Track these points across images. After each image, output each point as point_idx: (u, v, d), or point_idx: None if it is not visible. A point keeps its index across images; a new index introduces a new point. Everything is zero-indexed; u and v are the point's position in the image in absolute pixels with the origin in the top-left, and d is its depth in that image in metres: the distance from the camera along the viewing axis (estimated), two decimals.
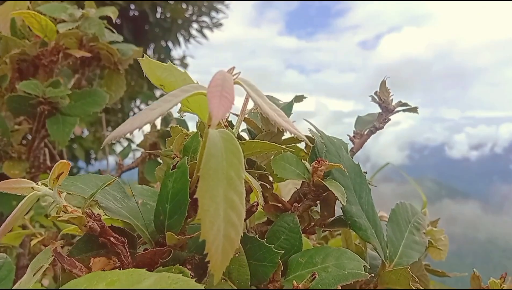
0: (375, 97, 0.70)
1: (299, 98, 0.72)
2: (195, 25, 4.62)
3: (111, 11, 1.00)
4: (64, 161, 0.37)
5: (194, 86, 0.36)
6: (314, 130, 0.53)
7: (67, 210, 0.35)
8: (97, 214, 0.36)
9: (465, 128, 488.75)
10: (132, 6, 4.12)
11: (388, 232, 0.54)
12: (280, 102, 0.71)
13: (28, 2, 0.97)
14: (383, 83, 0.69)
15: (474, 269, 0.68)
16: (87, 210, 0.35)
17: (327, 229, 0.51)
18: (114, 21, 1.02)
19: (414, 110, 0.74)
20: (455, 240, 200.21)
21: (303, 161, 0.48)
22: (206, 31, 4.72)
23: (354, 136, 0.72)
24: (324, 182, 0.44)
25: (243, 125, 0.54)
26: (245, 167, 0.40)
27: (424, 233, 0.62)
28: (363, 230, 0.46)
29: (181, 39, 4.57)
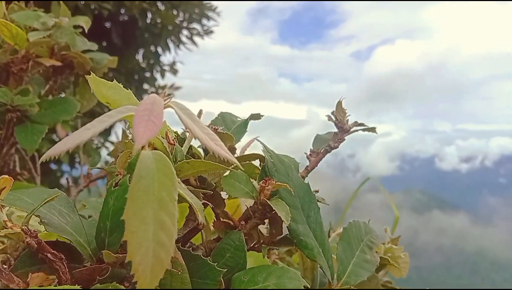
0: (332, 116, 0.70)
1: (255, 116, 0.71)
2: (185, 32, 4.57)
3: (84, 21, 1.00)
4: (6, 176, 0.37)
5: (129, 108, 0.37)
6: (265, 149, 0.54)
7: (7, 225, 0.35)
8: (34, 230, 0.36)
9: (456, 141, 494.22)
10: (122, 11, 4.12)
11: (338, 250, 0.55)
12: (238, 119, 0.69)
13: (5, 9, 0.98)
14: (339, 104, 0.69)
15: None
16: (23, 227, 0.35)
17: (274, 247, 0.52)
18: (86, 30, 1.02)
19: (372, 130, 0.74)
20: (444, 252, 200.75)
21: (252, 180, 0.48)
22: (196, 38, 4.69)
23: (310, 154, 0.72)
24: (269, 201, 0.45)
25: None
26: (196, 184, 0.42)
27: (376, 251, 0.62)
28: (309, 249, 0.47)
29: (171, 45, 4.55)
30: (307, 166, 0.71)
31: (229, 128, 0.61)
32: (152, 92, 4.93)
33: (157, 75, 4.73)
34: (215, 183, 0.47)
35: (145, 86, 4.72)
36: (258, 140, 0.56)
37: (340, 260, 0.53)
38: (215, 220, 0.47)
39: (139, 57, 4.57)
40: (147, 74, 4.71)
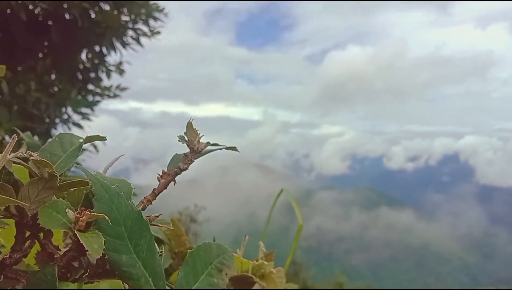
0: (184, 137, 0.68)
1: (90, 138, 0.66)
2: (130, 32, 4.43)
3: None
4: None
5: None
6: (88, 175, 0.50)
7: None
8: None
9: (402, 141, 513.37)
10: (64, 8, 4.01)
11: (179, 276, 0.52)
12: (80, 140, 0.64)
13: None
14: (189, 125, 0.65)
15: None
16: None
17: (95, 280, 0.47)
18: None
19: (232, 148, 0.74)
20: (392, 246, 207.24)
21: (67, 210, 0.44)
22: (143, 39, 4.58)
23: (161, 176, 0.69)
24: (78, 234, 0.41)
25: None
26: (15, 214, 0.42)
27: (226, 274, 0.59)
28: (135, 279, 0.44)
29: (117, 45, 4.44)
30: (154, 189, 0.67)
31: (65, 150, 0.58)
32: (97, 93, 4.82)
33: (103, 76, 4.60)
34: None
35: (90, 86, 4.58)
36: (81, 168, 0.52)
37: (179, 285, 0.51)
38: (39, 251, 0.45)
39: (83, 56, 4.45)
40: (92, 75, 4.57)
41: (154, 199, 0.66)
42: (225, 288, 0.57)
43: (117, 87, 4.62)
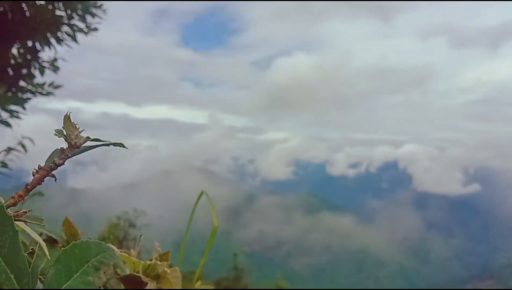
0: (62, 131, 0.66)
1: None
2: (66, 28, 4.28)
3: None
4: None
5: None
6: None
7: None
8: None
9: (344, 148, 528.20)
10: None
11: (49, 274, 0.51)
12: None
13: None
14: (66, 118, 0.64)
15: None
16: None
17: None
18: None
19: (119, 145, 0.73)
20: (332, 251, 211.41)
21: None
22: (81, 36, 4.47)
23: (36, 171, 0.65)
24: None
25: None
26: None
27: (104, 272, 0.59)
28: None
29: (52, 40, 4.30)
30: (27, 184, 0.63)
31: None
32: (29, 90, 4.61)
33: (37, 72, 4.41)
34: None
35: (22, 83, 4.40)
36: None
37: (49, 284, 0.50)
38: None
39: (15, 51, 4.25)
40: (24, 71, 4.39)
41: (27, 195, 0.62)
42: (103, 287, 0.56)
43: (50, 84, 4.42)
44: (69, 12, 4.18)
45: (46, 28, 4.03)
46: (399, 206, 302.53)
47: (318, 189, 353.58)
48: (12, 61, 4.20)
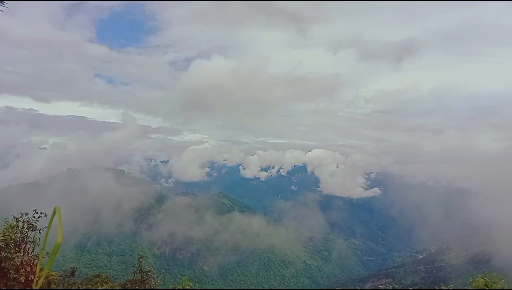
0: None
1: None
2: None
3: None
4: None
5: None
6: None
7: None
8: None
9: (257, 151, 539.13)
10: None
11: None
12: None
13: None
14: None
15: None
16: None
17: None
18: None
19: None
20: (241, 251, 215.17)
21: None
22: None
23: None
24: None
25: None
26: None
27: None
28: None
29: None
30: None
31: None
32: None
33: None
34: None
35: None
36: None
37: None
38: None
39: None
40: None
41: None
42: None
43: None
44: None
45: None
46: (306, 208, 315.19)
47: (231, 190, 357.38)
48: None
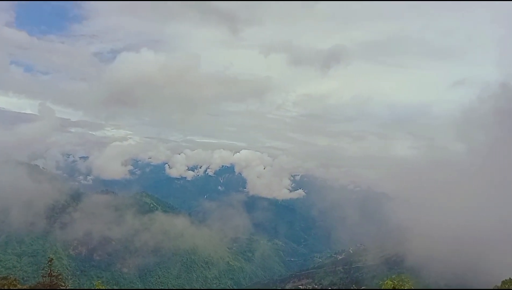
0: None
1: None
2: None
3: None
4: None
5: None
6: None
7: None
8: None
9: (185, 150, 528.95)
10: None
11: None
12: None
13: None
14: None
15: None
16: None
17: None
18: None
19: None
20: (164, 252, 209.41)
21: None
22: None
23: None
24: None
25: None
26: None
27: None
28: None
29: None
30: None
31: None
32: None
33: None
34: None
35: None
36: None
37: None
38: None
39: None
40: None
41: None
42: None
43: None
44: None
45: None
46: (232, 208, 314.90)
47: (155, 190, 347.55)
48: None
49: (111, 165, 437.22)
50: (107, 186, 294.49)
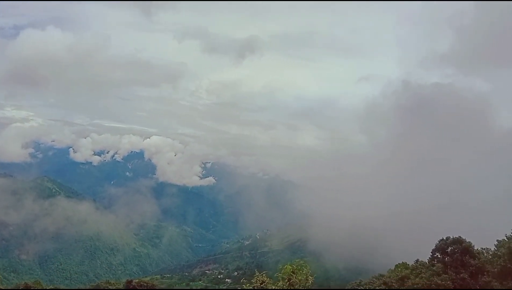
0: None
1: None
2: None
3: None
4: None
5: None
6: None
7: None
8: None
9: (91, 134, 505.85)
10: None
11: None
12: None
13: None
14: None
15: None
16: None
17: None
18: None
19: None
20: (66, 238, 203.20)
21: None
22: None
23: None
24: None
25: None
26: None
27: None
28: None
29: None
30: None
31: None
32: None
33: None
34: None
35: None
36: None
37: None
38: None
39: None
40: None
41: None
42: None
43: None
44: None
45: None
46: (139, 195, 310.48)
47: (58, 174, 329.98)
48: None
49: (9, 147, 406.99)
50: (5, 169, 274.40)
